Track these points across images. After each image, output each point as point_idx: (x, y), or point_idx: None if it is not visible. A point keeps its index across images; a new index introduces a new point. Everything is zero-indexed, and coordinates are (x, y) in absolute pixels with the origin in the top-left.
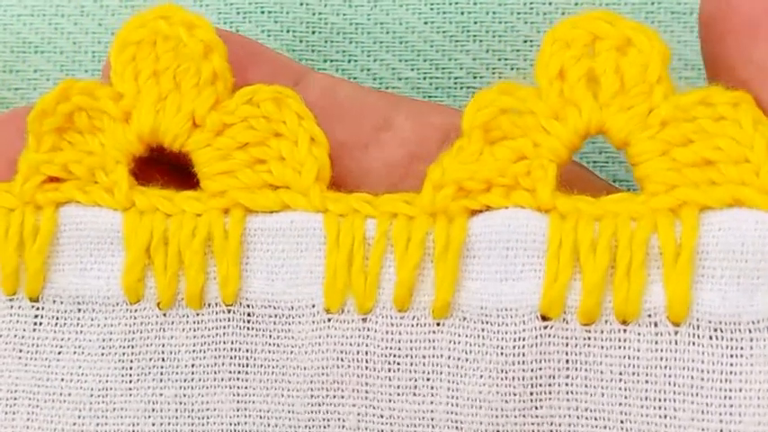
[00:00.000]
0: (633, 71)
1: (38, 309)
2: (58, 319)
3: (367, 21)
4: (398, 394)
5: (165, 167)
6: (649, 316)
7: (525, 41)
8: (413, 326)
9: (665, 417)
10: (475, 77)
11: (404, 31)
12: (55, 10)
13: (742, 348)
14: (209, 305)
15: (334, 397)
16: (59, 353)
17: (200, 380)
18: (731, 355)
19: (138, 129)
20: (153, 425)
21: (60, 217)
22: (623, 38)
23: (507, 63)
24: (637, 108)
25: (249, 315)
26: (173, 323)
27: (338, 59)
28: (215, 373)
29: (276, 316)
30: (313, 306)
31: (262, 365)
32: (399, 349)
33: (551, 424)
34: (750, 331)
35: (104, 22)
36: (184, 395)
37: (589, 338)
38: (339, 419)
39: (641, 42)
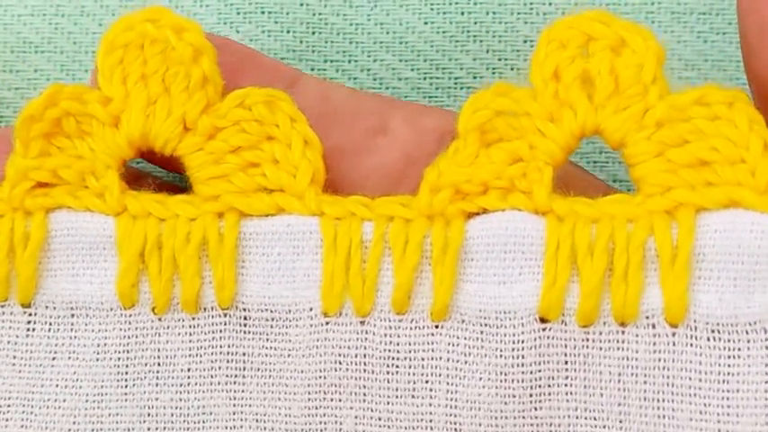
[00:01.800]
0: (628, 72)
1: (30, 315)
2: (51, 324)
3: (367, 21)
4: (397, 397)
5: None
6: (647, 318)
7: (525, 42)
8: (411, 328)
9: (664, 417)
10: (475, 78)
11: (404, 31)
12: (55, 10)
13: (739, 350)
14: (204, 309)
15: (332, 400)
16: (53, 359)
17: (196, 384)
18: (728, 356)
19: (127, 133)
20: (148, 430)
21: (51, 223)
22: (618, 38)
23: (507, 63)
24: (632, 109)
25: (245, 319)
26: (168, 328)
27: (338, 60)
28: (211, 377)
29: (273, 320)
30: (310, 309)
31: (258, 369)
32: (398, 352)
33: (551, 425)
34: (747, 332)
35: (104, 22)
36: (180, 400)
37: (588, 340)
38: (336, 423)
39: (636, 43)
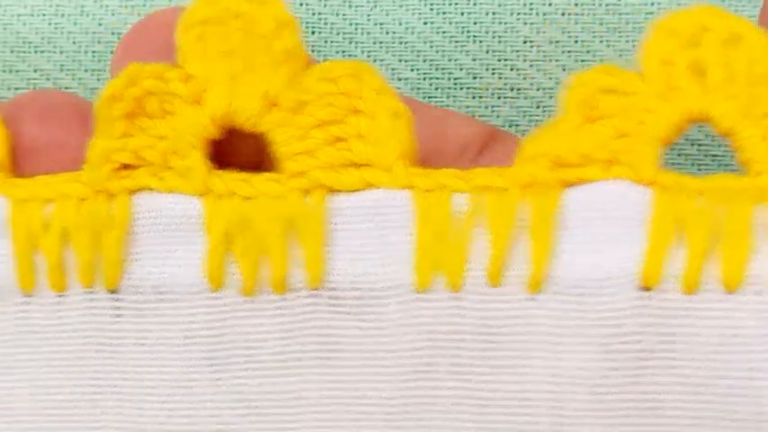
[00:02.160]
0: (740, 63)
1: (117, 300)
2: (138, 309)
3: (367, 21)
4: (494, 373)
5: None
6: (754, 284)
7: (525, 42)
8: (506, 301)
9: (765, 388)
10: (475, 78)
11: (403, 31)
12: (55, 10)
13: None
14: (293, 289)
15: (426, 379)
16: (142, 344)
17: (286, 367)
18: None
19: (211, 111)
20: (240, 415)
21: (134, 205)
22: (731, 31)
23: (507, 64)
24: (743, 97)
25: (335, 298)
26: (256, 309)
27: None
28: (302, 359)
29: (363, 297)
30: (401, 285)
31: (350, 350)
32: (493, 326)
33: (654, 400)
34: None
35: (104, 22)
36: (271, 384)
37: (690, 308)
38: (433, 402)
39: (750, 35)
